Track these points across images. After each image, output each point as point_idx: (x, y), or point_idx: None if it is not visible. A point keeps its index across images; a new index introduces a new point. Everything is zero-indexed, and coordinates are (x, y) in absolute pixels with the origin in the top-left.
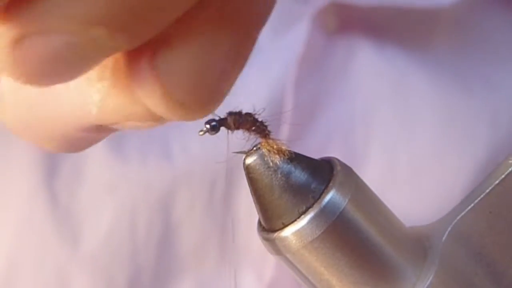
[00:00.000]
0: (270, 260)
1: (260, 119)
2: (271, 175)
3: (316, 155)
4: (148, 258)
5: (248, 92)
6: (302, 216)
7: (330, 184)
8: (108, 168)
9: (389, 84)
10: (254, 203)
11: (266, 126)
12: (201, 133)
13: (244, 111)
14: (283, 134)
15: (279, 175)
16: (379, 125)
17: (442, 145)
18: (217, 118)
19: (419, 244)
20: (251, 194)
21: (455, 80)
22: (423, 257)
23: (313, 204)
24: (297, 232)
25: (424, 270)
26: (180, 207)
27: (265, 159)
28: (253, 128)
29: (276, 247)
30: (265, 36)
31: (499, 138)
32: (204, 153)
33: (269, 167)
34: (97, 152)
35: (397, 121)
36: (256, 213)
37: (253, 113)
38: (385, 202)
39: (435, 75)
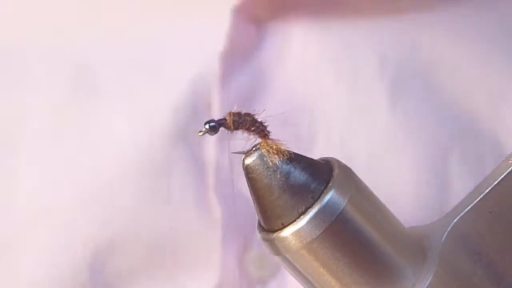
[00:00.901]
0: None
1: (259, 119)
2: (271, 175)
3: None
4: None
5: (170, 91)
6: (302, 216)
7: (330, 184)
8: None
9: (330, 67)
10: (254, 203)
11: (265, 127)
12: (201, 133)
13: (243, 111)
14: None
15: (279, 175)
16: (327, 109)
17: (393, 129)
18: (216, 119)
19: (418, 244)
20: (251, 194)
21: (406, 59)
22: (422, 257)
23: (312, 204)
24: (297, 232)
25: (424, 270)
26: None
27: (265, 159)
28: (252, 128)
29: (275, 248)
30: (185, 32)
31: (453, 125)
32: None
33: (268, 167)
34: None
35: (342, 102)
36: None
37: (253, 113)
38: None
39: (383, 55)
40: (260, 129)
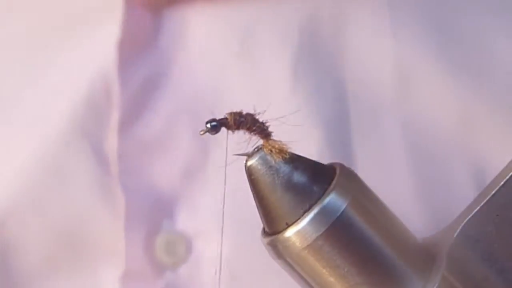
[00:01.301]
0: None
1: (260, 120)
2: (273, 175)
3: (163, 134)
4: None
5: (68, 88)
6: (304, 216)
7: (332, 185)
8: None
9: (231, 48)
10: (256, 205)
11: (267, 127)
12: (202, 132)
13: (244, 111)
14: (113, 122)
15: (281, 176)
16: (229, 91)
17: (294, 102)
18: (217, 118)
19: (426, 249)
20: (253, 196)
21: (303, 32)
22: (430, 262)
23: (314, 204)
24: (299, 232)
25: (432, 274)
26: None
27: (267, 160)
28: (254, 128)
29: (278, 250)
30: (78, 25)
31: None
32: None
33: (270, 167)
34: None
35: (247, 82)
36: None
37: (254, 113)
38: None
39: (284, 31)
40: (261, 129)
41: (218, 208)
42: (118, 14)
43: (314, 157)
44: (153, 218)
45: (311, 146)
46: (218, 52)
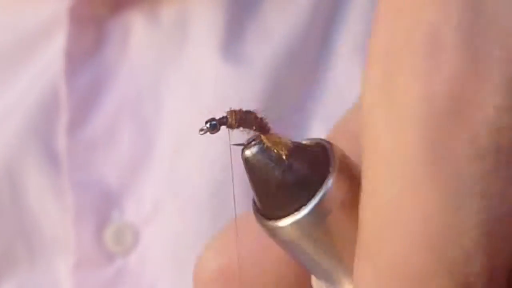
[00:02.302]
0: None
1: (260, 117)
2: (271, 166)
3: (109, 133)
4: None
5: (24, 97)
6: (301, 208)
7: (328, 176)
8: None
9: (169, 50)
10: (254, 195)
11: (266, 123)
12: (202, 132)
13: (244, 109)
14: (63, 123)
15: (279, 167)
16: (168, 90)
17: (224, 91)
18: (217, 117)
19: None
20: (251, 186)
21: (231, 27)
22: None
23: (312, 196)
24: (295, 223)
25: None
26: None
27: (265, 151)
28: (254, 126)
29: (272, 233)
30: (30, 43)
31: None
32: None
33: (269, 157)
34: None
35: (182, 80)
36: None
37: (254, 110)
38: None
39: (213, 25)
40: (261, 126)
41: (164, 197)
42: (64, 27)
43: None
44: (102, 211)
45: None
46: (155, 55)
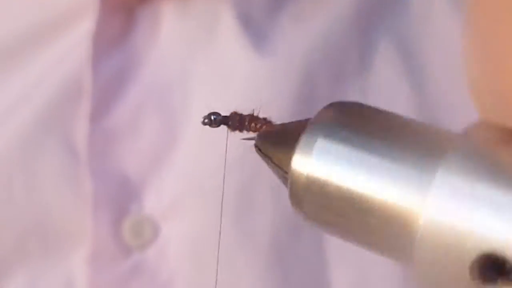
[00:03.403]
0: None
1: (262, 119)
2: (280, 142)
3: (132, 123)
4: None
5: (44, 82)
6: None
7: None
8: None
9: (200, 41)
10: (279, 178)
11: (269, 121)
12: (202, 120)
13: (246, 113)
14: (85, 111)
15: (286, 138)
16: (197, 81)
17: (256, 84)
18: (221, 114)
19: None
20: (272, 170)
21: (264, 22)
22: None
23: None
24: (298, 162)
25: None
26: None
27: (270, 133)
28: (255, 130)
29: (296, 194)
30: (56, 26)
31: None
32: None
33: (278, 137)
34: None
35: (213, 73)
36: None
37: (256, 115)
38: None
39: (245, 20)
40: (263, 123)
41: (185, 192)
42: (94, 12)
43: None
44: (121, 202)
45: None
46: (185, 47)
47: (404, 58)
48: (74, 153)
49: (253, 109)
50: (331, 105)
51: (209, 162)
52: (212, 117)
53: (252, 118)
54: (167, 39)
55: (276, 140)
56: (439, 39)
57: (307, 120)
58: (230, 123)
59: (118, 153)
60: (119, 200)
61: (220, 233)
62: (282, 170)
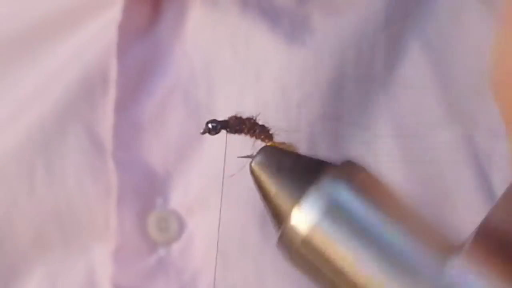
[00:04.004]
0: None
1: (261, 124)
2: (277, 173)
3: (158, 115)
4: None
5: (68, 70)
6: (302, 200)
7: (329, 172)
8: None
9: (226, 34)
10: (265, 208)
11: (268, 130)
12: (201, 132)
13: (245, 116)
14: (110, 101)
15: (285, 173)
16: (222, 74)
17: (286, 81)
18: (218, 120)
19: (444, 240)
20: (260, 198)
21: (294, 14)
22: (447, 252)
23: (311, 186)
24: (299, 218)
25: (448, 266)
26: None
27: (270, 159)
28: (255, 132)
29: (287, 245)
30: (81, 14)
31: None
32: None
33: (275, 167)
34: None
35: (240, 66)
36: None
37: (254, 117)
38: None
39: (275, 12)
40: (263, 133)
41: (211, 187)
42: (120, 0)
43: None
44: (146, 196)
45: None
46: (211, 39)
47: (432, 61)
48: (98, 144)
49: (253, 115)
50: (344, 166)
51: (235, 158)
52: (210, 125)
53: (251, 123)
54: (193, 31)
55: (277, 175)
56: (468, 43)
57: (310, 159)
58: (229, 126)
59: (144, 145)
60: (145, 193)
61: (218, 233)
62: (276, 210)
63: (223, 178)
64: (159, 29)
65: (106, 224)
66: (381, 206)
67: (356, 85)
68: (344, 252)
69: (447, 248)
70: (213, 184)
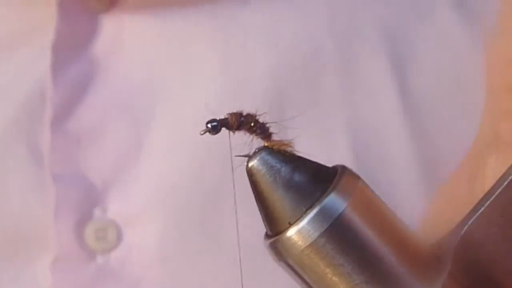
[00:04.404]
0: None
1: (261, 120)
2: (274, 176)
3: (96, 128)
4: None
5: (10, 92)
6: (304, 215)
7: (332, 185)
8: None
9: (166, 45)
10: (258, 208)
11: (267, 127)
12: (202, 132)
13: (245, 112)
14: (47, 118)
15: (282, 177)
16: (163, 87)
17: (224, 91)
18: (218, 118)
19: (430, 250)
20: (255, 198)
21: (232, 25)
22: (435, 263)
23: (315, 203)
24: (300, 232)
25: (436, 276)
26: None
27: (268, 161)
28: (255, 129)
29: (280, 252)
30: (16, 37)
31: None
32: None
33: (271, 168)
34: None
35: (178, 77)
36: None
37: (255, 113)
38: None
39: (212, 27)
40: (262, 130)
41: (151, 198)
42: (53, 21)
43: None
44: (84, 207)
45: None
46: (150, 54)
47: (390, 53)
48: (40, 160)
49: (256, 111)
50: (343, 178)
51: (176, 169)
52: (210, 125)
53: (252, 120)
54: (132, 44)
55: (276, 181)
56: (433, 40)
57: (308, 164)
58: (229, 123)
59: (82, 158)
60: (82, 204)
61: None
62: (272, 215)
63: (233, 177)
64: (97, 44)
65: (46, 236)
66: (375, 225)
67: (295, 96)
68: (337, 267)
69: (429, 262)
70: (154, 195)
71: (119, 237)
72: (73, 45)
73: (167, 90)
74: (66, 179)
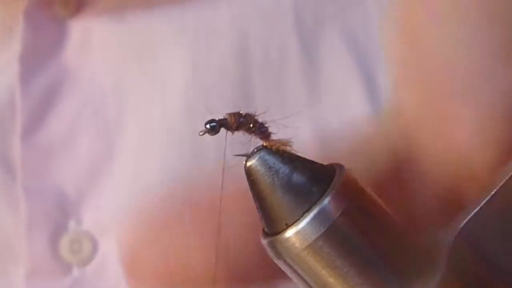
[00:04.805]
0: None
1: (260, 120)
2: (272, 176)
3: (67, 137)
4: None
5: None
6: (303, 217)
7: (331, 186)
8: None
9: (134, 49)
10: (256, 207)
11: (266, 127)
12: (201, 133)
13: (244, 112)
14: (17, 129)
15: (280, 176)
16: (131, 91)
17: (191, 94)
18: (217, 119)
19: (426, 248)
20: (253, 198)
21: (199, 27)
22: (431, 261)
23: (314, 205)
24: (298, 233)
25: (433, 274)
26: None
27: (266, 161)
28: (253, 129)
29: (278, 251)
30: None
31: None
32: None
33: (270, 168)
34: None
35: (147, 82)
36: None
37: (253, 113)
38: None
39: (179, 29)
40: (261, 130)
41: (123, 206)
42: (19, 31)
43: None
44: (58, 219)
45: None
46: (117, 59)
47: (352, 50)
48: (11, 172)
49: (255, 110)
50: (341, 179)
51: (146, 175)
52: (209, 126)
53: (250, 120)
54: (100, 49)
55: (275, 182)
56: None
57: (307, 164)
58: (228, 123)
59: (54, 168)
60: (56, 217)
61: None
62: (271, 215)
63: (222, 177)
64: (65, 52)
65: (20, 249)
66: (372, 228)
67: (263, 90)
68: (333, 269)
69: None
70: (126, 203)
71: (94, 248)
72: (41, 54)
73: (135, 94)
74: (39, 192)
